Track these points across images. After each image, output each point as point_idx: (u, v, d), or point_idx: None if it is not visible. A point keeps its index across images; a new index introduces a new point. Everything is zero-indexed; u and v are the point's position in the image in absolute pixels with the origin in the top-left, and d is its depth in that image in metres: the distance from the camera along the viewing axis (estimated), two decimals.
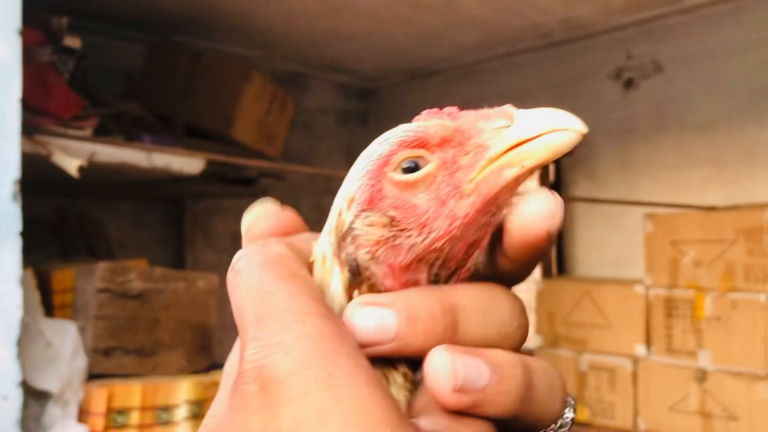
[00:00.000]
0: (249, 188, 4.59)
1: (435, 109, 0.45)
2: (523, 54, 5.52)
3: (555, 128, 0.40)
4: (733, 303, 3.95)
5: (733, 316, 3.95)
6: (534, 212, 0.41)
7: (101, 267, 3.02)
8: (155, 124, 3.99)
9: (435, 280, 0.42)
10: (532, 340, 5.02)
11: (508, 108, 0.42)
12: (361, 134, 6.78)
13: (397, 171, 0.41)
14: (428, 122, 0.43)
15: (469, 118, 0.43)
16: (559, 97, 5.43)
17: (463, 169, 0.41)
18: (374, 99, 6.85)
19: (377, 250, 0.41)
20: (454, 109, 0.44)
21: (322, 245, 0.44)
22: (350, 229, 0.41)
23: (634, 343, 4.34)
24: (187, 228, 5.39)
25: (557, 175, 5.48)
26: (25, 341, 2.57)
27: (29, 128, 2.72)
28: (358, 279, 0.42)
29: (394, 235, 0.40)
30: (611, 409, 4.40)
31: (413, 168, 0.41)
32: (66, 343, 2.73)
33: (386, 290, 0.41)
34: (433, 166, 0.41)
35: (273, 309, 0.37)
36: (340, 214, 0.43)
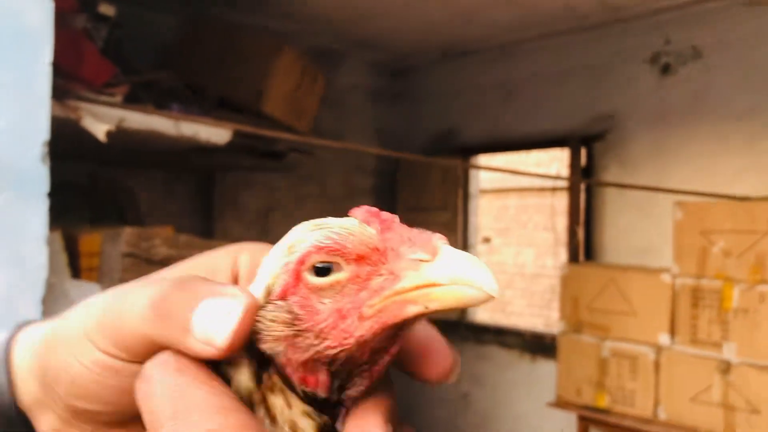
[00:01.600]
0: (279, 162, 4.63)
1: (374, 210, 0.45)
2: (559, 36, 5.44)
3: (467, 283, 0.41)
4: (761, 295, 3.88)
5: (761, 309, 3.88)
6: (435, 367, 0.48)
7: (127, 232, 3.07)
8: (186, 94, 4.03)
9: (335, 374, 0.44)
10: (555, 325, 4.99)
11: (436, 240, 0.43)
12: (392, 113, 6.76)
13: (310, 271, 0.43)
14: (352, 232, 0.43)
15: (395, 237, 0.43)
16: (593, 80, 5.35)
17: (369, 291, 0.42)
18: (406, 78, 6.82)
19: (277, 347, 0.43)
20: (390, 217, 0.45)
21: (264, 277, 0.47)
22: (257, 322, 0.43)
23: (658, 332, 4.28)
24: (217, 200, 5.45)
25: (589, 159, 5.40)
26: (50, 301, 2.64)
27: (61, 93, 2.77)
28: (266, 368, 0.45)
29: (294, 334, 0.43)
30: (632, 396, 4.36)
31: (325, 271, 0.43)
32: None
33: (291, 378, 0.44)
34: (343, 276, 0.43)
35: (193, 405, 0.40)
36: (266, 295, 0.45)
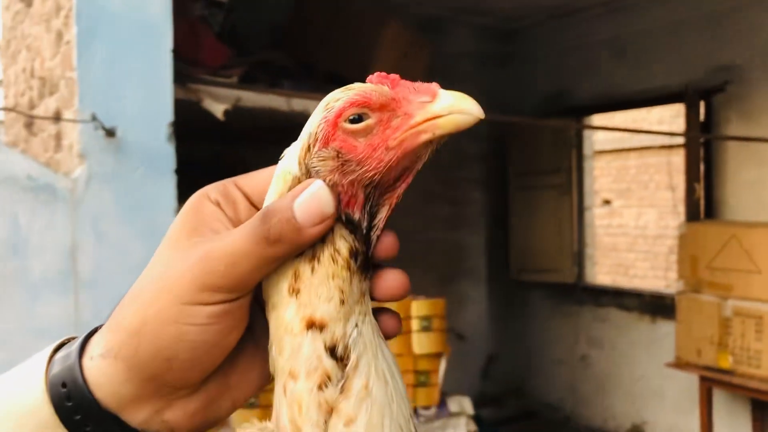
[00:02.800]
0: None
1: (383, 74, 0.60)
2: None
3: (461, 111, 0.57)
4: None
5: None
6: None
7: None
8: (297, 71, 4.23)
9: (368, 196, 0.60)
10: (673, 285, 4.87)
11: (434, 87, 0.59)
12: (501, 77, 6.71)
13: (346, 121, 0.57)
14: (374, 89, 0.58)
15: (404, 89, 0.59)
16: (711, 30, 5.09)
17: (391, 129, 0.58)
18: (514, 40, 6.74)
19: (333, 176, 0.58)
20: (396, 77, 0.60)
21: (287, 164, 0.61)
22: (311, 165, 0.58)
23: None
24: None
25: (708, 113, 5.17)
26: None
27: (182, 77, 3.02)
28: None
29: (341, 164, 0.58)
30: (757, 357, 4.20)
31: (357, 120, 0.57)
32: None
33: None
34: (371, 121, 0.58)
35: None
36: (307, 148, 0.59)
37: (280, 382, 0.60)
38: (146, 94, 2.75)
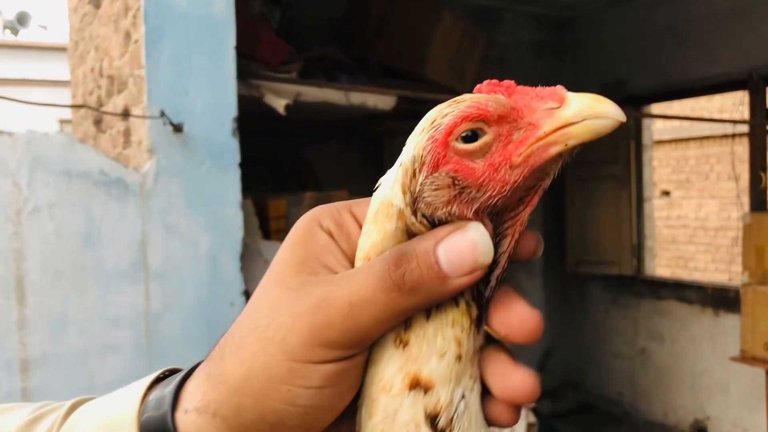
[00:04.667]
0: None
1: (494, 81, 0.52)
2: None
3: (598, 115, 0.48)
4: None
5: None
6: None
7: (308, 196, 3.40)
8: (353, 65, 4.28)
9: (492, 222, 0.52)
10: (736, 278, 4.74)
11: (560, 90, 0.50)
12: (557, 67, 6.64)
13: (458, 140, 0.49)
14: (488, 99, 0.50)
15: (524, 96, 0.50)
16: None
17: (513, 143, 0.50)
18: (570, 29, 6.65)
19: (451, 209, 0.50)
20: (512, 83, 0.52)
21: (387, 195, 0.52)
22: (420, 195, 0.50)
23: None
24: (386, 164, 5.70)
25: None
26: (247, 258, 3.00)
27: (244, 73, 3.10)
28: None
29: (459, 192, 0.49)
30: None
31: (471, 137, 0.49)
32: None
33: None
34: (489, 138, 0.49)
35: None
36: (413, 175, 0.50)
37: None
38: (211, 90, 2.83)
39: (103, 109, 3.68)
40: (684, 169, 9.91)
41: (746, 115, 5.47)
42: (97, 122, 3.97)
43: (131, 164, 2.98)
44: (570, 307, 6.75)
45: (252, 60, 3.36)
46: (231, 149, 2.86)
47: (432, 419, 0.50)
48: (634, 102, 6.10)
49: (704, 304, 5.67)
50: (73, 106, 4.70)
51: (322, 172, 5.23)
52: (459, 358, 0.51)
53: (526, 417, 3.84)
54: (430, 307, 0.51)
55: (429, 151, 0.49)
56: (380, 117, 4.09)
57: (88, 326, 2.71)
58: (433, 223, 0.50)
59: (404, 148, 0.52)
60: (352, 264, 0.54)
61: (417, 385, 0.50)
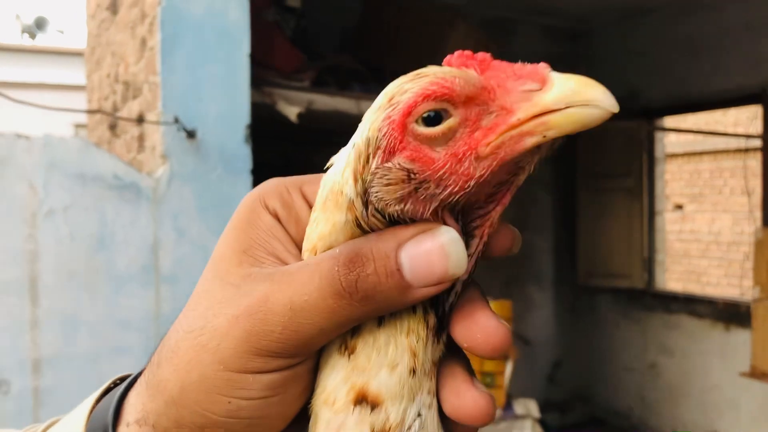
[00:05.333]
0: None
1: (467, 53, 0.44)
2: None
3: (585, 102, 0.40)
4: None
5: None
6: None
7: None
8: (366, 74, 4.31)
9: (457, 221, 0.44)
10: (748, 293, 4.72)
11: (542, 69, 0.41)
12: None
13: (418, 122, 0.41)
14: (456, 75, 0.41)
15: (499, 74, 0.42)
16: None
17: (482, 130, 0.41)
18: (584, 41, 6.66)
19: (404, 207, 0.42)
20: (487, 56, 0.43)
21: (337, 182, 0.45)
22: (370, 187, 0.42)
23: None
24: None
25: None
26: None
27: (257, 81, 3.13)
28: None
29: (414, 189, 0.42)
30: None
31: (433, 119, 0.41)
32: None
33: None
34: (454, 121, 0.41)
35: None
36: (366, 160, 0.42)
37: None
38: (225, 97, 2.87)
39: (118, 114, 3.73)
40: (697, 183, 9.87)
41: (760, 130, 5.45)
42: (112, 127, 4.02)
43: (144, 169, 3.02)
44: (580, 319, 6.73)
45: (265, 68, 3.40)
46: (243, 155, 2.89)
47: None
48: (648, 114, 6.09)
49: (715, 318, 5.64)
50: (89, 111, 4.76)
51: None
52: (413, 371, 0.44)
53: (532, 428, 3.84)
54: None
55: (384, 134, 0.41)
56: None
57: (99, 328, 2.74)
58: (390, 220, 0.43)
59: (359, 127, 0.44)
60: (301, 251, 0.48)
61: (363, 400, 0.43)
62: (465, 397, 0.46)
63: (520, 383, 5.13)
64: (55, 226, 2.67)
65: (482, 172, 0.41)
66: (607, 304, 6.58)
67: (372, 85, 3.97)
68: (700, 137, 9.34)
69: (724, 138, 8.90)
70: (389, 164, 0.42)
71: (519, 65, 0.42)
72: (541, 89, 0.40)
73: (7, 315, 2.58)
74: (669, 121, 6.72)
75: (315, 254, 0.45)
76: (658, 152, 6.39)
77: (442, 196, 0.42)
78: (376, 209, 0.43)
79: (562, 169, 6.73)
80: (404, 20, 4.69)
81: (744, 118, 8.92)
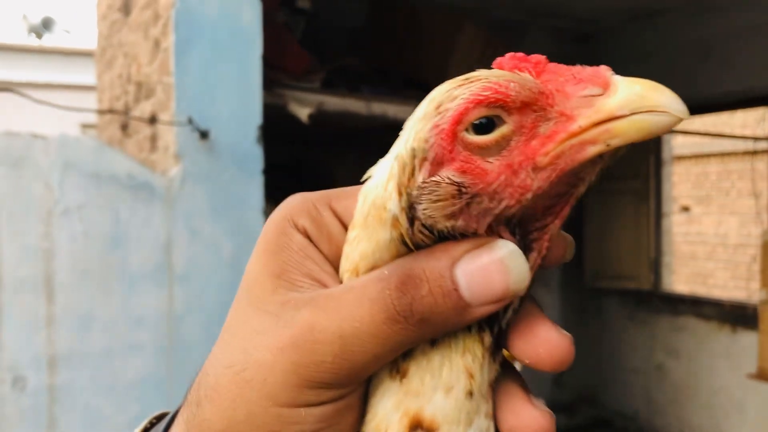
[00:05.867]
0: None
1: (521, 55, 0.41)
2: None
3: (652, 108, 0.37)
4: None
5: None
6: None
7: None
8: (375, 77, 4.34)
9: (514, 235, 0.42)
10: (755, 295, 4.73)
11: (604, 72, 0.39)
12: None
13: (469, 130, 0.38)
14: (510, 78, 0.39)
15: (557, 77, 0.39)
16: None
17: (539, 138, 0.39)
18: (593, 43, 6.67)
19: (456, 223, 0.40)
20: (542, 59, 0.41)
21: (380, 196, 0.42)
22: (418, 203, 0.40)
23: None
24: None
25: None
26: None
27: (268, 82, 3.16)
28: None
29: (466, 204, 0.39)
30: None
31: (486, 126, 0.38)
32: None
33: None
34: (509, 129, 0.38)
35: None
36: (411, 173, 0.40)
37: None
38: (238, 98, 2.90)
39: (131, 114, 3.76)
40: (704, 185, 9.87)
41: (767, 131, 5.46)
42: (124, 127, 4.05)
43: (158, 169, 3.05)
44: (587, 321, 6.74)
45: (275, 69, 3.43)
46: (255, 156, 2.93)
47: None
48: None
49: (722, 320, 5.64)
50: (102, 112, 4.80)
51: (343, 182, 5.29)
52: (470, 393, 0.41)
53: None
54: None
55: (431, 145, 0.39)
56: (401, 128, 4.14)
57: (113, 325, 2.77)
58: (440, 235, 0.41)
59: (401, 136, 0.42)
60: (337, 271, 0.45)
61: (418, 426, 0.41)
62: (524, 416, 0.44)
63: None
64: (71, 224, 2.70)
65: (540, 184, 0.39)
66: (614, 306, 6.60)
67: (381, 87, 3.99)
68: (707, 139, 9.34)
69: (732, 140, 8.91)
70: (437, 177, 0.39)
71: (578, 68, 0.40)
72: (603, 94, 0.38)
73: (23, 312, 2.61)
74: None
75: (357, 275, 0.43)
76: (666, 154, 6.40)
77: (496, 211, 0.39)
78: (424, 225, 0.40)
79: None
80: (413, 23, 4.72)
81: (752, 120, 8.92)
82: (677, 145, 8.82)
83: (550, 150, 0.38)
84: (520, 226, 0.41)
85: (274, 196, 3.33)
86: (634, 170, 6.30)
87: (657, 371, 6.18)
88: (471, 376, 0.41)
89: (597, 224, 6.57)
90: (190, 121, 2.81)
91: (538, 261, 0.42)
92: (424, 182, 0.39)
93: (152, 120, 3.18)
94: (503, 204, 0.39)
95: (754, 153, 6.87)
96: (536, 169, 0.38)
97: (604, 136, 0.37)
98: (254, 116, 2.92)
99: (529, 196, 0.39)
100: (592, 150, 0.38)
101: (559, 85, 0.38)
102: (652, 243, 6.28)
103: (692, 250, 9.82)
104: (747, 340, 5.28)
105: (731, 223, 9.45)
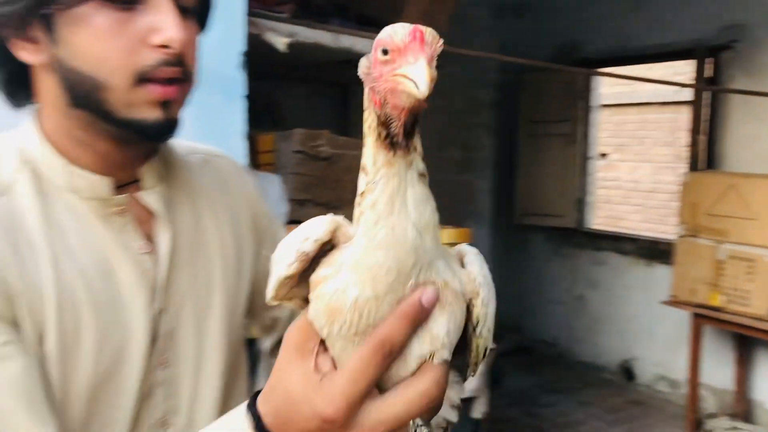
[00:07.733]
0: None
1: (419, 27, 0.65)
2: None
3: (414, 80, 0.61)
4: None
5: None
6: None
7: (297, 132, 3.60)
8: (332, 12, 4.44)
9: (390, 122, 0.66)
10: (674, 230, 5.23)
11: (421, 55, 0.62)
12: (516, 28, 6.92)
13: (379, 53, 0.64)
14: (393, 33, 0.63)
15: (413, 46, 0.63)
16: None
17: (391, 67, 0.64)
18: None
19: (387, 109, 0.65)
20: (422, 35, 0.63)
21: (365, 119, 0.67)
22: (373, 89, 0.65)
23: None
24: (352, 113, 5.91)
25: (715, 70, 5.46)
26: None
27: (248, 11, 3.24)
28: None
29: (391, 88, 0.64)
30: (747, 297, 4.59)
31: (384, 52, 0.64)
32: (272, 190, 3.36)
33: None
34: (389, 57, 0.64)
35: None
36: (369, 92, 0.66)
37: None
38: (223, 25, 2.98)
39: None
40: (622, 134, 10.46)
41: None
42: None
43: None
44: (515, 256, 7.18)
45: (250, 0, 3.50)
46: (238, 81, 3.04)
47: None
48: (588, 65, 6.46)
49: (638, 255, 6.18)
50: None
51: (291, 115, 5.40)
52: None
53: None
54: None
55: (371, 57, 0.66)
56: (354, 64, 4.28)
57: None
58: (387, 120, 0.65)
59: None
60: None
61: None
62: None
63: None
64: None
65: (384, 87, 0.63)
66: (540, 242, 7.06)
67: (350, 23, 4.11)
68: (627, 90, 9.87)
69: (650, 92, 9.46)
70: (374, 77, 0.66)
71: (428, 46, 0.63)
72: (413, 63, 0.61)
73: None
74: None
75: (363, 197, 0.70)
76: (593, 101, 6.80)
77: (380, 90, 0.65)
78: (385, 115, 0.65)
79: (505, 115, 7.08)
80: None
81: (669, 74, 9.49)
82: (601, 94, 9.28)
83: (382, 75, 0.64)
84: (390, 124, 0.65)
85: None
86: (564, 115, 6.68)
87: (577, 301, 6.71)
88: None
89: (527, 165, 6.95)
90: None
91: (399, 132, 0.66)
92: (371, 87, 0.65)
93: None
94: (381, 88, 0.63)
95: (671, 104, 7.37)
96: (386, 81, 0.63)
97: (401, 80, 0.62)
98: (238, 43, 3.02)
99: (382, 89, 0.63)
100: (399, 86, 0.62)
101: (409, 49, 0.62)
102: (577, 184, 6.73)
103: (608, 193, 10.46)
104: (659, 273, 5.84)
105: (645, 169, 10.11)
